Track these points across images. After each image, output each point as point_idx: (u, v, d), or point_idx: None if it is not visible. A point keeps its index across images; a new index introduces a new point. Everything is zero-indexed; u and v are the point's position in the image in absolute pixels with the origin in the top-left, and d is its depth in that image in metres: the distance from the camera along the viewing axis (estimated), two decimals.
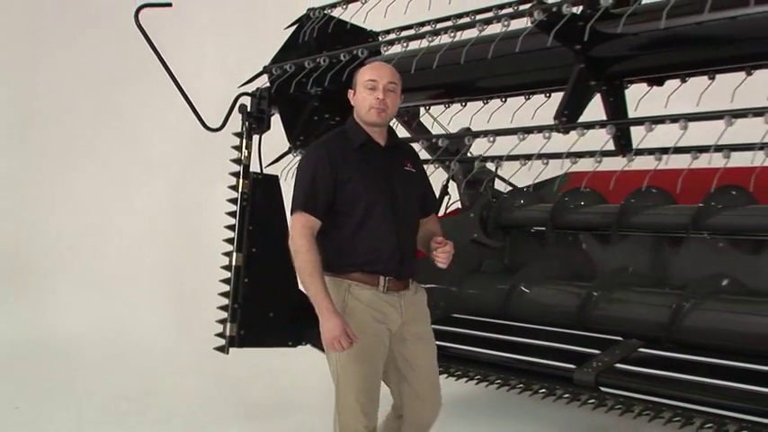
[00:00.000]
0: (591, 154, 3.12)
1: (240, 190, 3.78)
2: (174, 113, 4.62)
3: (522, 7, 3.04)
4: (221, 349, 3.78)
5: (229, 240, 3.80)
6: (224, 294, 3.77)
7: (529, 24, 2.68)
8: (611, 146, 3.00)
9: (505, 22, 2.77)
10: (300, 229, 2.54)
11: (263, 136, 3.84)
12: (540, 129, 2.93)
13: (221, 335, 3.77)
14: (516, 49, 2.75)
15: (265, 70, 3.86)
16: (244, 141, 3.80)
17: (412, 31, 3.71)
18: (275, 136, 3.95)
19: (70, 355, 5.76)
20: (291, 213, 2.60)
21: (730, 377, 3.09)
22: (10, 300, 6.64)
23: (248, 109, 3.82)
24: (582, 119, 2.96)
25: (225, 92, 3.96)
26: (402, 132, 4.14)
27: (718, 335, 3.46)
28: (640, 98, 2.99)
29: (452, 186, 4.69)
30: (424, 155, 3.65)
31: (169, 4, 3.64)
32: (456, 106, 3.90)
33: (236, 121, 3.82)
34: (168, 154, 7.01)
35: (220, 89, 4.17)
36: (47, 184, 7.25)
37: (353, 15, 4.11)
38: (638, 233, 3.96)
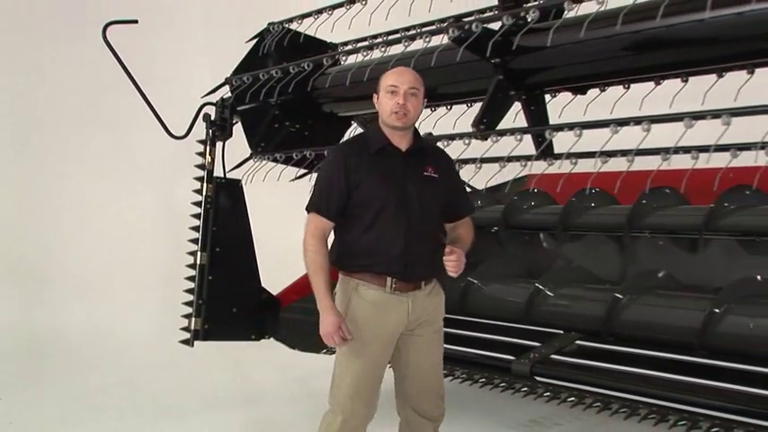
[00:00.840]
0: (532, 157, 3.28)
1: (204, 193, 4.05)
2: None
3: (441, 25, 3.27)
4: (186, 342, 4.05)
5: (194, 240, 4.06)
6: (189, 291, 4.03)
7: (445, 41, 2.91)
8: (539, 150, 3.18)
9: (426, 39, 2.99)
10: (312, 230, 2.61)
11: (225, 143, 4.10)
12: (461, 136, 3.14)
13: (187, 329, 4.04)
14: (431, 63, 2.98)
15: (226, 81, 4.11)
16: (207, 148, 4.07)
17: (366, 43, 3.93)
18: (239, 142, 4.20)
19: (56, 351, 6.06)
20: (306, 213, 2.67)
21: (659, 367, 3.29)
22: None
23: (212, 118, 4.08)
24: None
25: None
26: None
27: (651, 328, 3.65)
28: (564, 106, 3.19)
29: None
30: None
31: (135, 21, 3.89)
32: None
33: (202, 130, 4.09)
34: (159, 159, 7.26)
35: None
36: (44, 188, 7.53)
37: (320, 27, 4.34)
38: (581, 232, 4.16)
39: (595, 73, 3.09)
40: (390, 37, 3.57)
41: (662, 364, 3.31)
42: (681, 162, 3.07)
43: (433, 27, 3.26)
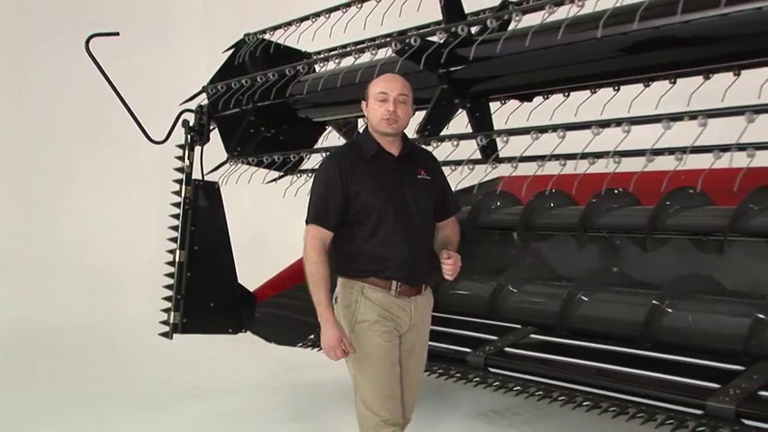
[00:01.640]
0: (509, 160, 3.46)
1: (183, 195, 4.29)
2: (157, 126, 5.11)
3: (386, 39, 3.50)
4: (166, 335, 4.29)
5: (174, 239, 4.30)
6: (168, 287, 4.27)
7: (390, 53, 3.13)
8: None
9: (373, 51, 3.21)
10: (311, 241, 2.58)
11: (203, 147, 4.34)
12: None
13: (166, 322, 4.28)
14: (375, 73, 3.18)
15: (203, 89, 4.35)
16: (186, 152, 4.31)
17: (337, 52, 4.16)
18: (216, 147, 4.45)
19: (53, 344, 6.35)
20: (306, 224, 2.64)
21: (604, 359, 3.49)
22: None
23: (190, 123, 4.32)
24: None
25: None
26: None
27: (602, 322, 3.84)
28: (511, 112, 3.40)
29: None
30: None
31: (116, 33, 4.14)
32: None
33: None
34: (156, 166, 7.50)
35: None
36: (45, 191, 7.82)
37: (301, 36, 4.54)
38: (542, 232, 4.36)
39: (538, 81, 3.29)
40: (341, 51, 3.79)
41: (606, 356, 3.51)
42: (632, 165, 3.27)
43: (380, 41, 3.47)
